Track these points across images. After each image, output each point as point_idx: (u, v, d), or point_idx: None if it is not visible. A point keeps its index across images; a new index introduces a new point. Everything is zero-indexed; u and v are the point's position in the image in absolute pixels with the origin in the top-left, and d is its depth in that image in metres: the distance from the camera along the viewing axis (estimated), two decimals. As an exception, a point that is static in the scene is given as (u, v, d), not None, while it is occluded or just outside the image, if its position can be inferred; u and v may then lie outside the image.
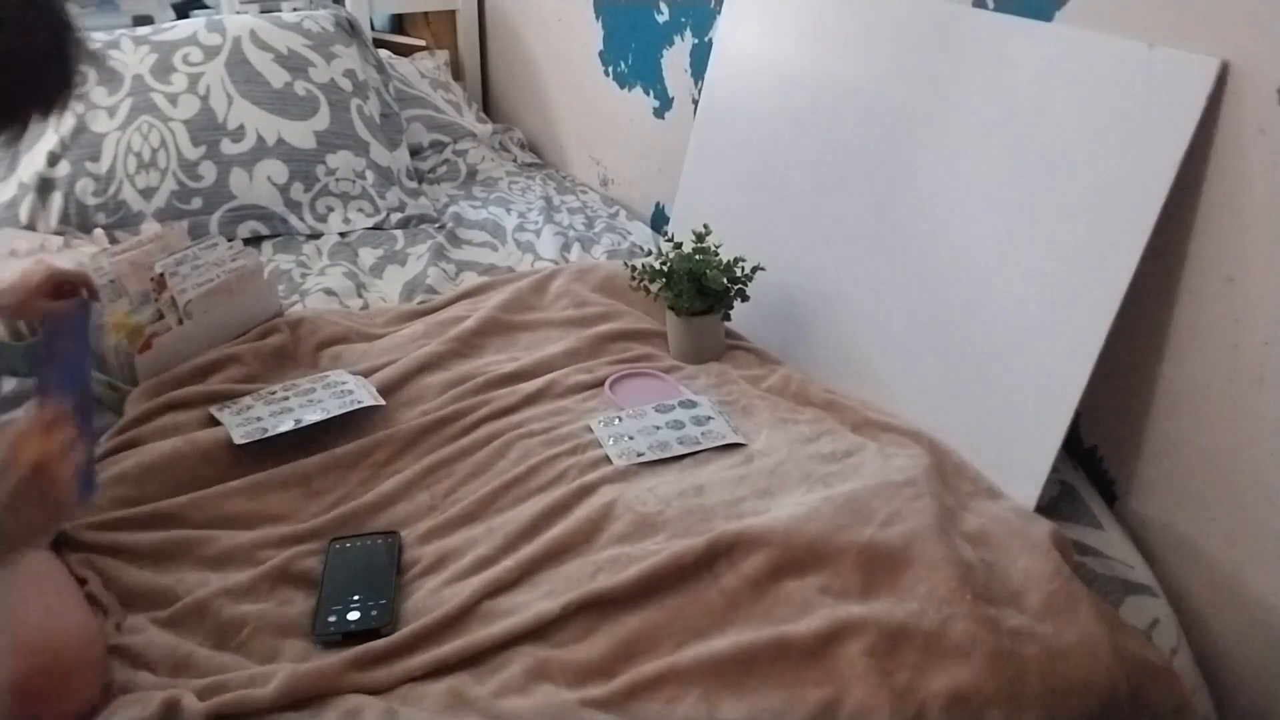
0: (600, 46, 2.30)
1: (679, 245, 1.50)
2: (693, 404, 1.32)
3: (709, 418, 1.29)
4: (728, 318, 1.50)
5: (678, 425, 1.27)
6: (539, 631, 0.98)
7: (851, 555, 1.02)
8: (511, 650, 0.95)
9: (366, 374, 1.40)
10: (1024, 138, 1.20)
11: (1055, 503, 1.19)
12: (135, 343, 1.36)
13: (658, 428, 1.27)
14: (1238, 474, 1.09)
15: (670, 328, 1.49)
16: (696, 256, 1.47)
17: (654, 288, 1.50)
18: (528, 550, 1.07)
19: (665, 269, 1.47)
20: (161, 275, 1.43)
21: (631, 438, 1.25)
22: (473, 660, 0.95)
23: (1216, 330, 1.08)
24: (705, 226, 1.51)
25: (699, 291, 1.44)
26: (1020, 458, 1.16)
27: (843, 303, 1.43)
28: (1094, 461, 1.27)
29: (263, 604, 1.04)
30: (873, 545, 1.03)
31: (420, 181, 2.28)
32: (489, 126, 2.62)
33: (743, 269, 1.47)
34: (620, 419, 1.30)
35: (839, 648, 0.93)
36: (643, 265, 1.52)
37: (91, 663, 0.92)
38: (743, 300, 1.48)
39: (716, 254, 1.47)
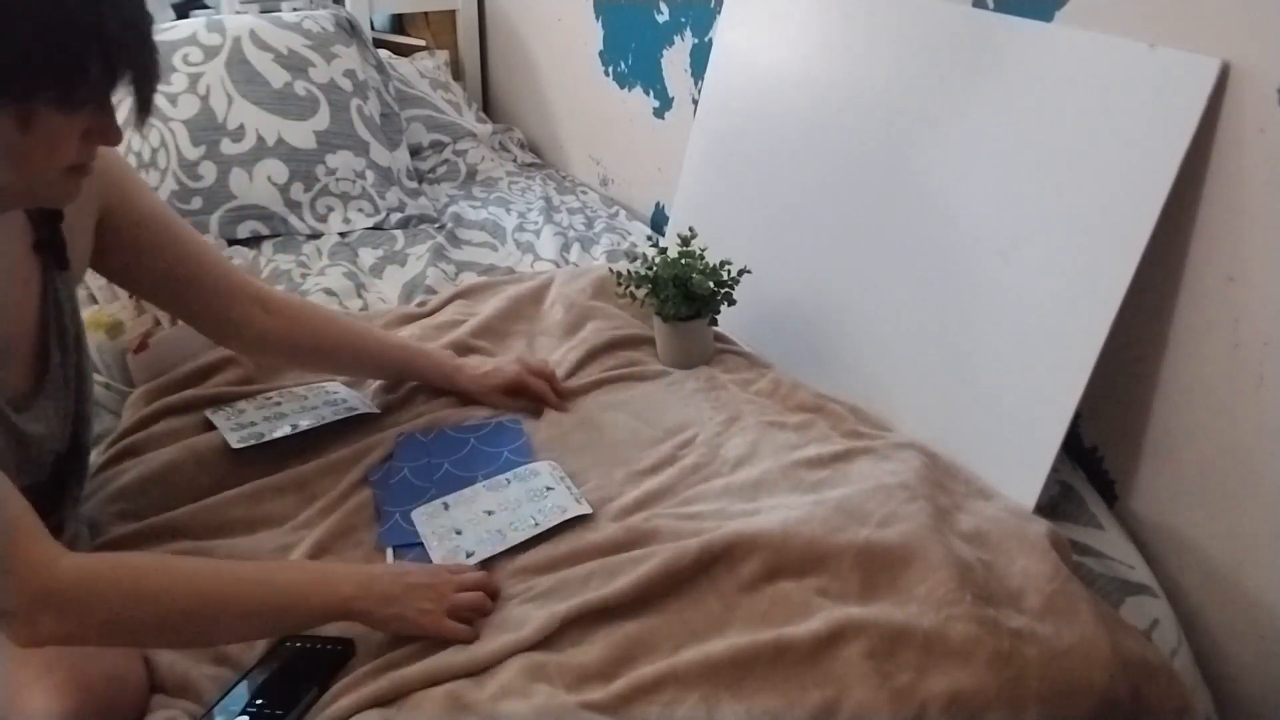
0: (600, 46, 2.30)
1: (664, 250, 1.49)
2: (533, 473, 1.16)
3: (549, 489, 1.13)
4: (715, 322, 1.48)
5: (511, 507, 1.11)
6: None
7: (849, 557, 1.02)
8: (509, 652, 0.95)
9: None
10: (1024, 138, 1.20)
11: (1055, 503, 1.19)
12: (116, 338, 1.36)
13: (490, 513, 1.10)
14: (1238, 474, 1.09)
15: (658, 333, 1.48)
16: (682, 261, 1.45)
17: (640, 293, 1.49)
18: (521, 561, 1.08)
19: (651, 275, 1.46)
20: None
21: (459, 532, 1.08)
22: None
23: (1216, 330, 1.08)
24: (691, 230, 1.50)
25: (685, 296, 1.42)
26: (1020, 458, 1.16)
27: (842, 302, 1.43)
28: (1094, 461, 1.27)
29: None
30: (870, 546, 1.03)
31: (420, 181, 2.28)
32: (489, 126, 2.63)
33: (729, 272, 1.46)
34: (446, 506, 1.12)
35: (838, 649, 0.93)
36: (628, 271, 1.51)
37: (135, 694, 0.93)
38: (729, 304, 1.47)
39: (702, 258, 1.46)
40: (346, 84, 2.14)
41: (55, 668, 0.88)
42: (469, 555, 1.00)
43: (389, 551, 1.10)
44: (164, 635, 0.92)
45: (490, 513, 1.07)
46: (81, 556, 0.88)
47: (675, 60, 2.02)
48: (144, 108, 0.90)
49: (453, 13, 2.88)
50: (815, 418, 1.31)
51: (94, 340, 1.38)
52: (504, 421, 1.31)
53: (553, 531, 1.10)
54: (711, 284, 1.43)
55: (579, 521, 1.11)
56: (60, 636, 0.85)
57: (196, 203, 1.96)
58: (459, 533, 1.05)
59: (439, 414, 1.32)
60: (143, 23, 0.87)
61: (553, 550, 1.08)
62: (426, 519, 1.09)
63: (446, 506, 1.10)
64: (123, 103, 0.89)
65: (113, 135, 0.89)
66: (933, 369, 1.28)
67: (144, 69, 0.88)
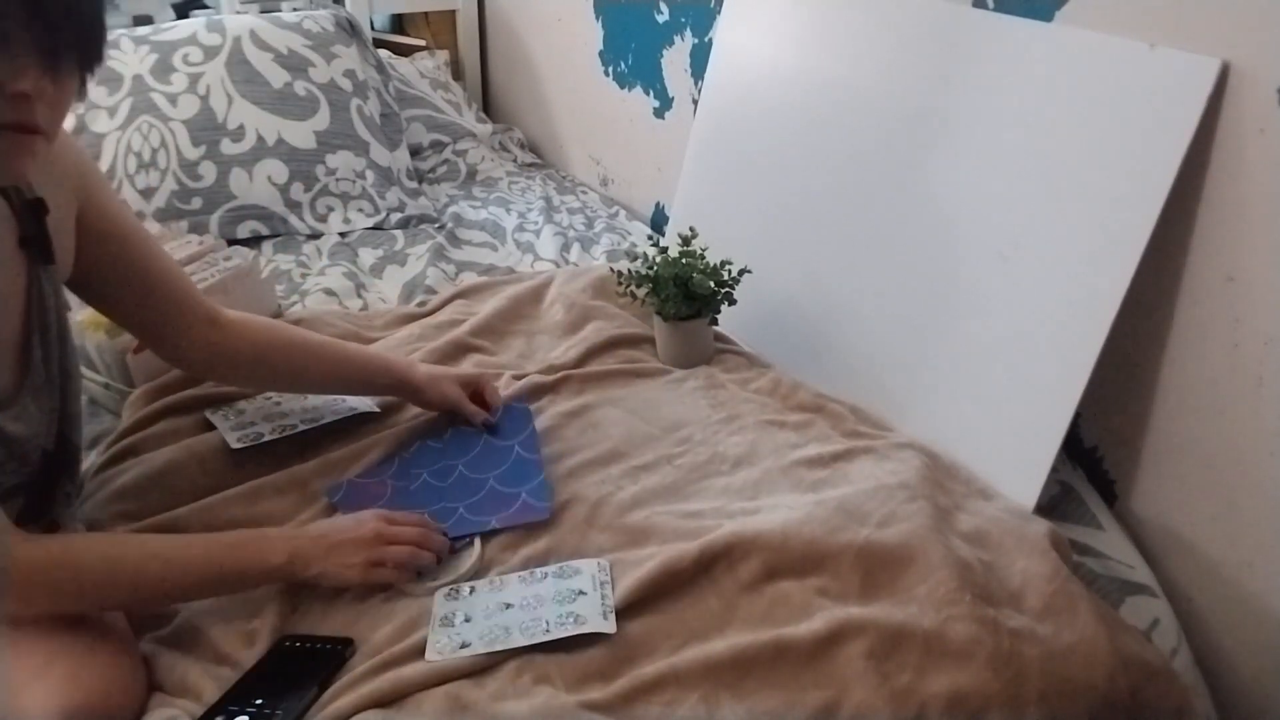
0: (600, 46, 2.30)
1: (664, 250, 1.49)
2: (574, 571, 1.04)
3: (581, 593, 1.00)
4: (715, 322, 1.48)
5: (533, 605, 0.99)
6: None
7: (849, 557, 1.02)
8: (511, 653, 0.95)
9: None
10: (1024, 138, 1.20)
11: (1055, 503, 1.19)
12: (116, 337, 1.36)
13: (508, 605, 1.00)
14: (1238, 474, 1.09)
15: (658, 333, 1.48)
16: (683, 260, 1.45)
17: (640, 293, 1.49)
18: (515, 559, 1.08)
19: (651, 274, 1.46)
20: None
21: (468, 619, 0.98)
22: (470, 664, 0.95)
23: (1216, 330, 1.08)
24: (691, 229, 1.51)
25: (686, 296, 1.42)
26: (1020, 458, 1.16)
27: (843, 302, 1.43)
28: (1094, 461, 1.27)
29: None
30: (870, 546, 1.03)
31: (420, 181, 2.28)
32: (489, 126, 2.63)
33: (730, 272, 1.46)
34: (473, 589, 1.03)
35: (838, 649, 0.93)
36: (629, 270, 1.51)
37: (134, 692, 0.93)
38: (730, 304, 1.47)
39: (703, 258, 1.46)
40: (346, 84, 2.14)
41: (53, 666, 0.89)
42: (464, 646, 0.94)
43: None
44: (109, 608, 1.00)
45: (509, 606, 1.00)
46: (31, 548, 0.91)
47: (675, 60, 2.02)
48: (82, 84, 0.87)
49: (453, 13, 2.89)
50: (815, 417, 1.31)
51: (94, 340, 1.38)
52: (512, 405, 1.31)
53: (554, 528, 1.11)
54: (712, 284, 1.43)
55: (582, 522, 1.12)
56: (8, 617, 0.92)
57: (196, 203, 1.96)
58: (468, 620, 0.98)
59: (438, 414, 1.33)
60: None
61: (554, 544, 1.09)
62: (444, 599, 1.02)
63: (473, 590, 1.03)
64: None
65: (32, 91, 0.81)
66: (933, 369, 1.28)
67: (84, 41, 0.84)
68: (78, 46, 0.84)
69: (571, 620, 0.96)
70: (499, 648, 0.94)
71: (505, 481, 1.18)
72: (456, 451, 1.26)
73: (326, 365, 1.27)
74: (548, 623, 0.96)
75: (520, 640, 0.95)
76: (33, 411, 0.99)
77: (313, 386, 1.32)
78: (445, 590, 1.03)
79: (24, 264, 0.99)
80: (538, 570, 1.05)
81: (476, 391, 1.32)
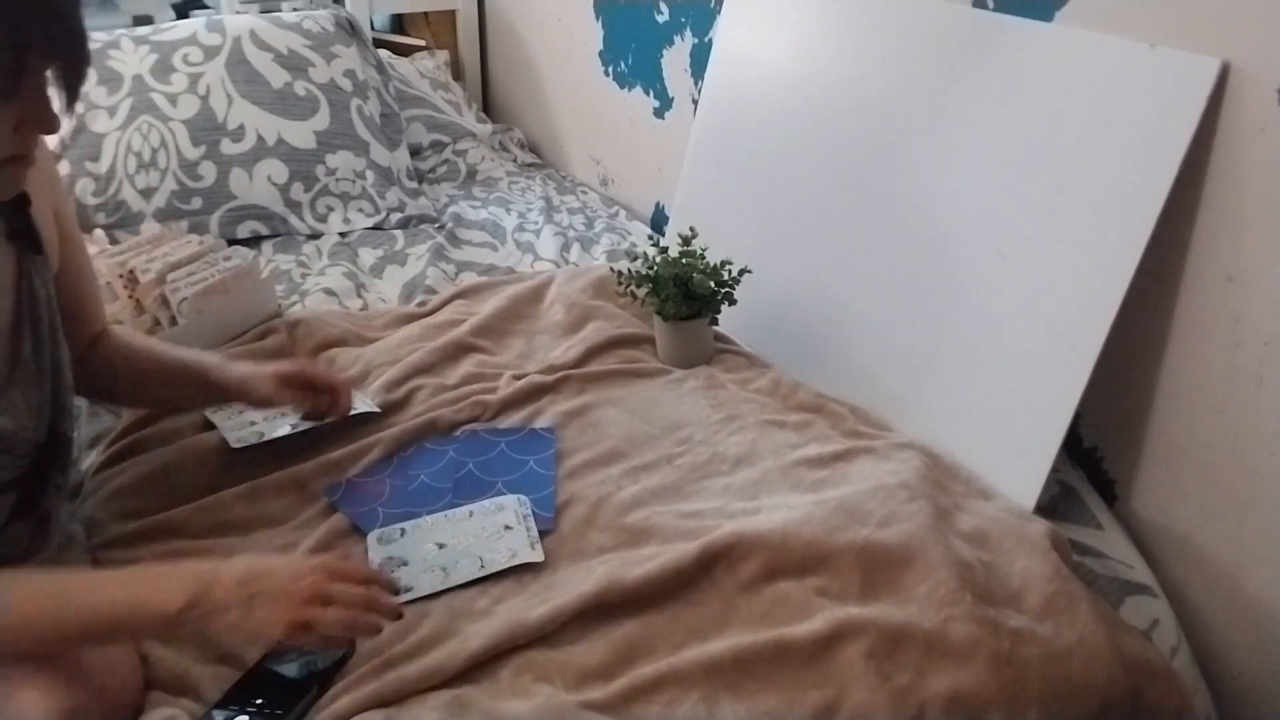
0: (600, 46, 2.30)
1: (664, 250, 1.49)
2: (497, 508, 1.11)
3: (507, 528, 1.08)
4: (715, 322, 1.49)
5: (465, 543, 1.06)
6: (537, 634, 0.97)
7: (850, 557, 1.02)
8: (511, 653, 0.95)
9: (361, 377, 1.41)
10: (1024, 138, 1.20)
11: (1055, 503, 1.19)
12: None
13: (441, 546, 1.07)
14: (1238, 474, 1.09)
15: (658, 332, 1.48)
16: (683, 260, 1.45)
17: (641, 293, 1.49)
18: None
19: (652, 274, 1.46)
20: (132, 271, 1.44)
21: (405, 563, 1.05)
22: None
23: (1216, 330, 1.08)
24: (691, 229, 1.51)
25: (686, 296, 1.42)
26: (1020, 458, 1.16)
27: (842, 301, 1.43)
28: (1094, 461, 1.27)
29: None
30: (870, 546, 1.03)
31: (420, 181, 2.28)
32: (489, 126, 2.63)
33: (730, 272, 1.46)
34: (403, 532, 1.09)
35: (838, 649, 0.93)
36: (629, 270, 1.51)
37: (131, 692, 0.93)
38: (730, 304, 1.47)
39: (703, 258, 1.46)
40: (346, 84, 2.14)
41: (48, 665, 0.88)
42: (406, 590, 0.99)
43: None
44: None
45: (441, 546, 1.04)
46: None
47: (675, 60, 2.02)
48: (71, 98, 0.88)
49: (453, 13, 2.89)
50: (815, 417, 1.31)
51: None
52: (539, 430, 1.30)
53: (554, 528, 1.11)
54: (712, 283, 1.43)
55: (582, 521, 1.12)
56: None
57: (196, 203, 1.96)
58: (405, 564, 1.03)
59: (438, 414, 1.32)
60: (70, 11, 0.85)
61: (554, 544, 1.09)
62: (377, 543, 1.07)
63: (403, 532, 1.08)
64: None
65: (49, 124, 0.87)
66: (932, 369, 1.28)
67: (71, 58, 0.86)
68: (85, 73, 0.87)
69: (507, 554, 1.04)
70: (440, 588, 1.01)
71: (514, 487, 1.18)
72: (469, 452, 1.26)
73: (158, 377, 1.20)
74: (481, 558, 1.04)
75: (460, 578, 1.02)
76: (21, 404, 0.99)
77: (155, 402, 1.28)
78: (377, 534, 1.09)
79: (13, 256, 0.99)
80: (461, 509, 1.13)
81: (306, 379, 1.22)
